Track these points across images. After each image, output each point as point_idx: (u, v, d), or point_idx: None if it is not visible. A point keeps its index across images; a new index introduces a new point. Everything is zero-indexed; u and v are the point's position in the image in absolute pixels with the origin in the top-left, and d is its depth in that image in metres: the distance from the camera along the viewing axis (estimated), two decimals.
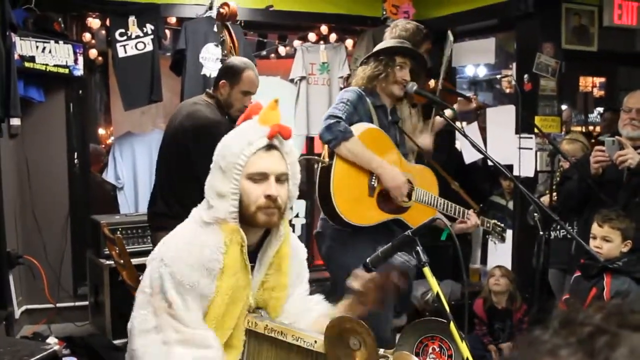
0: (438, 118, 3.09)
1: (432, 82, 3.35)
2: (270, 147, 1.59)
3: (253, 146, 1.56)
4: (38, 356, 1.93)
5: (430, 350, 1.58)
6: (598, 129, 5.97)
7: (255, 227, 1.63)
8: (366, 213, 2.60)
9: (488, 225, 2.87)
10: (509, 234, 4.33)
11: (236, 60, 3.03)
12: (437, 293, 1.50)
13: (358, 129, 2.59)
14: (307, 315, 1.74)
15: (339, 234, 2.63)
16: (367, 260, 1.63)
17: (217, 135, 2.75)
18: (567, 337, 0.52)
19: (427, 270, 1.52)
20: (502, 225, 2.96)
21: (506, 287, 3.64)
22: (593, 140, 4.57)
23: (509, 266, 4.16)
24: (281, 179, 1.61)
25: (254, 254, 1.64)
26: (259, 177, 1.57)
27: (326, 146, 2.60)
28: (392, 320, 2.85)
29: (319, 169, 2.60)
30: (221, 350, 1.55)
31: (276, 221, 1.63)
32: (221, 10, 3.30)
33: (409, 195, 2.68)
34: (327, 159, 2.56)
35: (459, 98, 3.32)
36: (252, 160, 1.56)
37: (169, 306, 1.50)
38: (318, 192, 2.58)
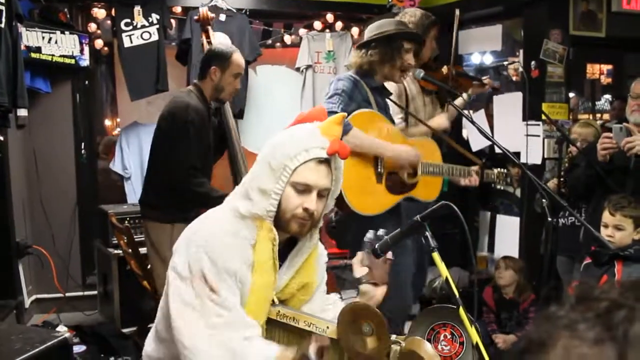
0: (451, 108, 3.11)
1: (444, 69, 3.34)
2: (322, 160, 1.56)
3: (309, 154, 1.54)
4: (49, 343, 1.95)
5: (442, 337, 1.58)
6: (606, 116, 5.93)
7: (283, 231, 1.62)
8: (379, 201, 2.65)
9: (492, 176, 3.01)
10: (516, 221, 4.35)
11: (221, 46, 3.14)
12: (447, 278, 1.50)
13: (352, 115, 2.59)
14: (323, 315, 1.74)
15: (362, 222, 2.65)
16: (376, 246, 1.63)
17: (185, 117, 2.89)
18: (585, 312, 0.52)
19: (436, 256, 1.52)
20: (505, 170, 3.07)
21: (511, 279, 3.63)
22: (600, 126, 4.54)
23: (516, 254, 4.16)
24: (323, 193, 1.59)
25: (280, 253, 1.62)
26: (302, 188, 1.55)
27: None
28: (412, 296, 2.94)
29: None
30: (261, 330, 1.55)
31: (306, 232, 1.63)
32: (195, 17, 3.56)
33: (415, 172, 2.70)
34: None
35: (472, 85, 3.33)
36: (301, 169, 1.54)
37: (211, 291, 1.48)
38: None
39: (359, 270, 1.64)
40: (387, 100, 2.91)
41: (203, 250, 1.50)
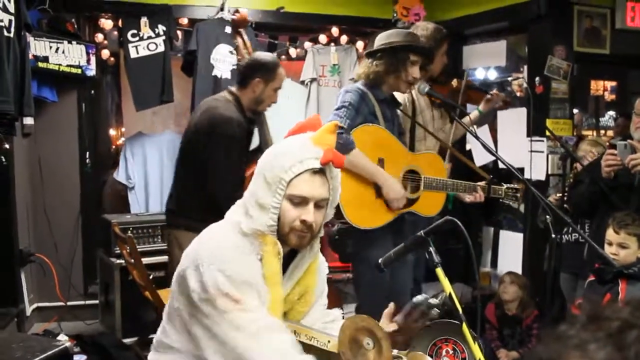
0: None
1: (455, 82, 3.34)
2: (317, 170, 1.55)
3: (303, 165, 1.52)
4: (50, 352, 1.94)
5: (443, 353, 1.57)
6: (610, 133, 5.93)
7: (284, 244, 1.60)
8: (376, 215, 2.63)
9: (500, 192, 2.95)
10: (519, 237, 4.33)
11: (266, 56, 3.01)
12: (450, 294, 1.50)
13: (357, 129, 2.59)
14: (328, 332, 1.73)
15: (361, 235, 2.64)
16: (380, 261, 1.63)
17: (227, 131, 2.84)
18: (595, 331, 0.51)
19: (439, 271, 1.51)
20: (515, 186, 3.00)
21: (515, 294, 3.61)
22: (607, 144, 4.54)
23: (519, 270, 4.14)
24: (320, 204, 1.58)
25: (282, 265, 1.61)
26: (299, 201, 1.54)
27: None
28: None
29: None
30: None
31: (306, 244, 1.62)
32: (233, 17, 3.37)
33: (417, 187, 2.69)
34: None
35: (486, 96, 3.32)
36: (296, 181, 1.53)
37: (237, 303, 1.46)
38: None
39: (387, 324, 1.58)
40: (398, 111, 2.90)
41: (215, 267, 1.48)
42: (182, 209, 2.98)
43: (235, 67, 4.40)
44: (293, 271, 1.66)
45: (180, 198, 3.02)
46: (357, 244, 2.72)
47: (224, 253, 1.51)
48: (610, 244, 2.66)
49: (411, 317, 1.55)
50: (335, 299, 3.59)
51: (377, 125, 2.68)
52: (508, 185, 2.99)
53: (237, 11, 3.43)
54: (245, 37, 3.25)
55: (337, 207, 2.47)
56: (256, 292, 1.50)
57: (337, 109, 2.63)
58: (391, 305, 1.61)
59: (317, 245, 1.69)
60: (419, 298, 1.56)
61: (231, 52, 3.39)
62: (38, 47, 3.93)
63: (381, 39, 2.76)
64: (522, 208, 4.44)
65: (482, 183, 2.93)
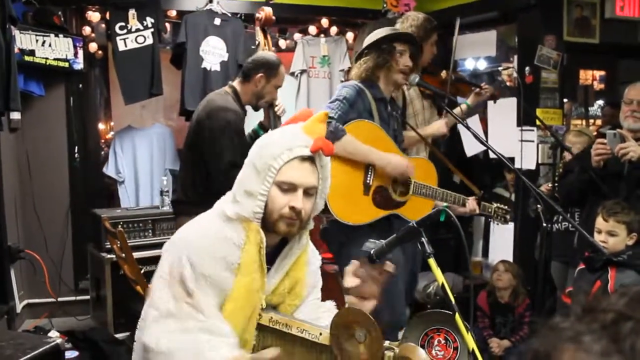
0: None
1: (443, 73, 3.34)
2: (306, 158, 1.56)
3: (292, 153, 1.54)
4: (41, 349, 1.92)
5: (435, 343, 1.57)
6: (599, 122, 5.95)
7: (272, 232, 1.61)
8: (362, 212, 2.60)
9: (490, 210, 2.90)
10: (510, 227, 4.35)
11: (271, 55, 3.15)
12: (442, 284, 1.49)
13: (350, 123, 2.57)
14: (316, 323, 1.73)
15: (347, 229, 2.62)
16: (372, 252, 1.62)
17: (223, 117, 2.92)
18: (590, 323, 0.50)
19: (432, 262, 1.51)
20: (506, 207, 2.95)
21: (509, 282, 3.63)
22: (595, 134, 4.56)
23: (510, 259, 4.16)
24: (309, 192, 1.59)
25: (270, 257, 1.62)
26: (287, 187, 1.55)
27: None
28: (405, 306, 2.89)
29: None
30: (237, 341, 1.54)
31: (295, 232, 1.62)
32: (257, 15, 3.42)
33: (407, 190, 2.68)
34: None
35: (471, 91, 3.33)
36: (285, 168, 1.54)
37: (188, 295, 1.49)
38: None
39: (350, 280, 1.56)
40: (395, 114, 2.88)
41: (185, 254, 1.52)
42: (185, 198, 3.12)
43: (225, 60, 4.39)
44: (281, 262, 1.66)
45: (183, 188, 3.15)
46: (340, 241, 2.69)
47: (198, 240, 1.54)
48: (599, 232, 2.68)
49: (368, 265, 1.54)
50: (337, 291, 3.56)
51: (371, 122, 2.65)
52: (497, 205, 2.93)
53: (261, 9, 3.43)
54: (269, 36, 3.37)
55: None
56: (213, 289, 1.52)
57: (331, 101, 2.62)
58: (354, 261, 1.60)
59: (305, 237, 1.69)
60: (366, 244, 1.55)
61: (253, 48, 3.50)
62: (24, 40, 3.88)
63: (366, 40, 2.77)
64: (512, 197, 4.46)
65: (472, 198, 2.85)
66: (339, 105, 2.57)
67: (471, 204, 2.82)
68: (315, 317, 1.71)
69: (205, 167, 2.99)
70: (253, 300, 1.58)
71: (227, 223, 1.56)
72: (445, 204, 2.84)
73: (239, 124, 3.01)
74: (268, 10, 3.40)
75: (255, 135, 3.21)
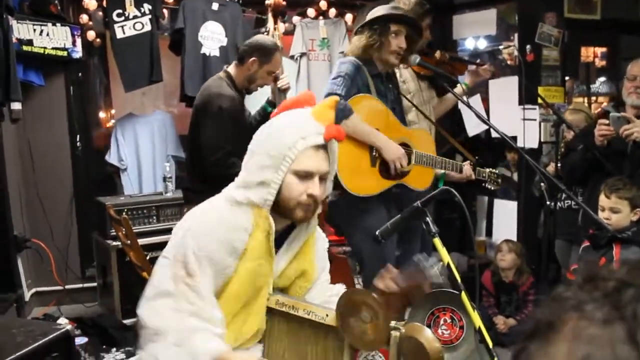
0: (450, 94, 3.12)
1: (437, 54, 3.33)
2: (320, 145, 1.57)
3: (306, 141, 1.54)
4: (51, 336, 1.94)
5: (441, 322, 1.59)
6: (601, 99, 5.93)
7: (285, 218, 1.63)
8: (370, 183, 2.68)
9: (483, 175, 3.01)
10: (513, 205, 4.36)
11: (267, 40, 3.15)
12: (448, 263, 1.50)
13: (353, 98, 2.62)
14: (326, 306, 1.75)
15: (356, 201, 2.66)
16: (377, 233, 1.63)
17: (217, 104, 2.96)
18: (592, 291, 0.51)
19: (437, 241, 1.52)
20: (497, 171, 3.08)
21: (513, 262, 3.64)
22: (596, 111, 4.55)
23: (514, 238, 4.17)
24: (323, 177, 1.61)
25: (277, 240, 1.63)
26: (305, 175, 1.56)
27: None
28: None
29: None
30: (224, 332, 1.55)
31: (310, 217, 1.65)
32: (267, 1, 3.39)
33: (408, 160, 2.73)
34: None
35: (467, 69, 3.32)
36: (301, 157, 1.54)
37: (188, 276, 1.50)
38: None
39: (382, 283, 1.58)
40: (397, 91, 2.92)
41: (190, 236, 1.53)
42: (191, 185, 3.22)
43: (224, 45, 4.37)
44: (290, 245, 1.67)
45: (188, 175, 3.27)
46: (350, 213, 2.74)
47: (205, 224, 1.56)
48: (602, 209, 2.68)
49: (413, 279, 1.55)
50: (347, 273, 3.59)
51: (372, 96, 2.70)
52: (490, 170, 3.04)
53: None
54: (279, 23, 3.36)
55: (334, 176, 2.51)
56: (215, 273, 1.53)
57: (334, 78, 2.65)
58: (390, 266, 1.61)
59: (314, 220, 1.70)
60: (420, 259, 1.56)
61: (263, 32, 3.49)
62: (21, 30, 3.86)
63: (362, 17, 2.79)
64: (515, 176, 4.46)
65: (467, 164, 2.97)
66: (342, 82, 2.60)
67: (467, 169, 2.95)
68: (324, 300, 1.73)
69: (201, 155, 3.03)
70: (257, 284, 1.59)
71: (236, 208, 1.57)
72: (442, 171, 2.97)
73: (233, 109, 3.03)
74: None
75: (263, 112, 3.25)
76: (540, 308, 0.54)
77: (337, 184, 2.56)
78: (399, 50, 2.74)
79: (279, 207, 1.58)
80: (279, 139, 1.55)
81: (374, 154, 2.68)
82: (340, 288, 1.85)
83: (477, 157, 3.01)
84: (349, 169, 2.58)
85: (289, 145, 1.53)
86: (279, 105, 1.69)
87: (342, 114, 2.48)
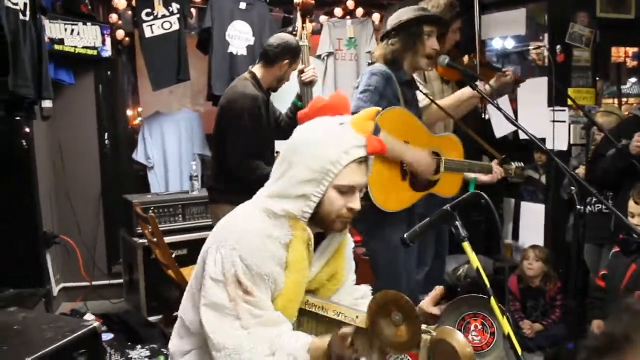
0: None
1: (466, 58, 3.29)
2: (363, 160, 1.54)
3: (349, 156, 1.50)
4: (79, 332, 1.96)
5: (472, 328, 1.56)
6: (632, 101, 5.80)
7: (320, 228, 1.60)
8: (401, 198, 2.63)
9: (510, 172, 2.94)
10: (541, 209, 4.29)
11: (293, 39, 3.21)
12: (477, 268, 1.48)
13: (383, 113, 2.52)
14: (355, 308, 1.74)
15: (381, 212, 2.63)
16: (405, 236, 1.61)
17: (241, 105, 3.00)
18: None
19: (466, 245, 1.50)
20: (522, 164, 3.00)
21: (540, 270, 3.58)
22: (627, 113, 4.45)
23: (541, 242, 4.11)
24: (362, 190, 1.59)
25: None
26: (347, 190, 1.53)
27: None
28: (415, 288, 2.90)
29: None
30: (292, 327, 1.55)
31: (347, 228, 1.64)
32: (296, 1, 3.41)
33: (437, 169, 2.69)
34: None
35: (498, 74, 3.27)
36: (344, 172, 1.51)
37: (246, 294, 1.47)
38: None
39: (430, 308, 1.57)
40: (418, 93, 2.87)
41: (237, 253, 1.47)
42: (215, 185, 3.25)
43: (251, 44, 4.39)
44: (324, 252, 1.65)
45: (213, 175, 3.32)
46: (372, 222, 2.70)
47: (249, 239, 1.49)
48: (632, 215, 2.63)
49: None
50: (369, 275, 3.57)
51: (401, 108, 2.64)
52: (517, 164, 2.95)
53: None
54: (308, 23, 3.36)
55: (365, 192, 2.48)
56: (269, 285, 1.50)
57: (362, 92, 2.56)
58: (439, 288, 1.59)
59: (347, 227, 1.68)
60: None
61: (292, 33, 3.50)
62: (53, 29, 3.93)
63: (392, 20, 2.72)
64: (543, 179, 4.39)
65: (495, 163, 2.90)
66: (370, 97, 2.52)
67: (496, 169, 2.88)
68: (352, 303, 1.71)
69: (226, 156, 3.07)
70: (299, 294, 1.58)
71: (273, 220, 1.53)
72: (474, 176, 2.90)
73: (256, 109, 3.06)
74: None
75: (295, 107, 3.25)
76: (612, 322, 0.53)
77: (367, 196, 2.55)
78: (433, 53, 2.68)
79: (317, 219, 1.55)
80: (320, 152, 1.50)
81: (405, 167, 2.64)
82: (366, 289, 1.83)
83: (503, 156, 2.95)
84: (380, 185, 2.53)
85: (332, 161, 1.49)
86: (310, 105, 1.63)
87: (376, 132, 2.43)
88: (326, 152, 1.50)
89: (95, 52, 4.14)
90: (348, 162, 1.50)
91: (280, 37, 3.23)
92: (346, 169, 1.50)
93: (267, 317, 1.49)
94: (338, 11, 4.81)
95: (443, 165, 2.72)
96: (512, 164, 2.94)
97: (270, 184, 1.61)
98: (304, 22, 3.35)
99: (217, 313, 1.48)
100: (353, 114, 2.42)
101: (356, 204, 1.54)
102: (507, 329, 1.42)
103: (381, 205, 2.54)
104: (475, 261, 1.50)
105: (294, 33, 3.46)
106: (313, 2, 3.43)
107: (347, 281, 1.76)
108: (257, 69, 3.18)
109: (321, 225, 1.57)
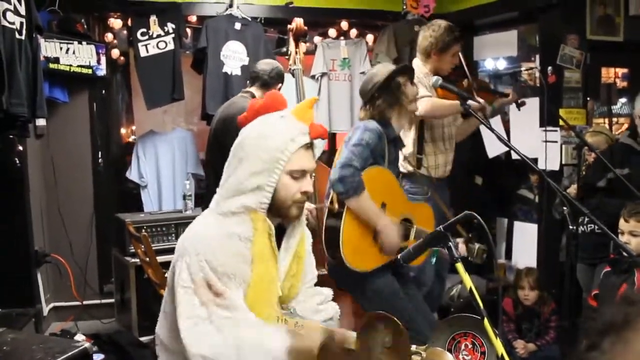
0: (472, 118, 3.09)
1: (465, 82, 3.33)
2: (308, 145, 1.65)
3: (295, 143, 1.61)
4: (69, 353, 1.95)
5: (462, 347, 1.56)
6: (622, 120, 5.86)
7: (278, 218, 1.67)
8: (371, 258, 2.61)
9: (473, 251, 2.79)
10: (534, 228, 4.30)
11: (281, 67, 3.51)
12: (470, 289, 1.48)
13: (366, 171, 2.54)
14: (316, 316, 1.78)
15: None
16: (399, 257, 1.62)
17: (234, 119, 2.98)
18: None
19: (460, 266, 1.50)
20: (484, 247, 2.83)
21: (536, 296, 3.57)
22: (617, 133, 4.50)
23: (534, 261, 4.11)
24: (312, 174, 1.69)
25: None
26: (299, 175, 1.63)
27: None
28: (433, 317, 2.88)
29: (326, 212, 2.59)
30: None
31: (301, 214, 1.73)
32: (289, 25, 3.56)
33: (408, 235, 2.70)
34: (336, 205, 2.55)
35: (496, 97, 3.32)
36: (293, 158, 1.61)
37: (217, 296, 1.51)
38: (324, 235, 2.58)
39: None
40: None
41: (201, 257, 1.53)
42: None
43: (245, 64, 4.42)
44: (288, 242, 1.71)
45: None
46: (354, 277, 2.66)
47: (209, 242, 1.56)
48: (622, 233, 2.65)
49: None
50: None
51: (384, 168, 2.65)
52: (479, 246, 2.80)
53: (294, 20, 3.59)
54: (300, 47, 3.52)
55: (335, 247, 2.48)
56: (237, 283, 1.55)
57: (354, 145, 2.55)
58: None
59: (303, 217, 1.77)
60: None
61: (286, 56, 3.63)
62: (49, 48, 3.95)
63: (367, 84, 2.73)
64: (536, 199, 4.41)
65: (461, 241, 2.80)
66: (361, 152, 2.51)
67: (460, 247, 2.78)
68: (314, 309, 1.78)
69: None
70: (269, 288, 1.62)
71: (231, 218, 1.59)
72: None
73: None
74: (299, 21, 3.52)
75: None
76: (609, 308, 0.54)
77: (334, 255, 2.54)
78: (416, 97, 2.76)
79: (274, 208, 1.63)
80: (268, 143, 1.60)
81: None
82: (328, 292, 1.89)
83: (469, 234, 2.89)
84: (352, 245, 2.52)
85: (280, 149, 1.59)
86: (248, 110, 1.71)
87: (354, 190, 2.44)
88: (273, 141, 1.60)
89: (90, 71, 4.16)
90: (295, 149, 1.61)
91: (270, 63, 3.42)
92: (294, 154, 1.61)
93: (242, 317, 1.52)
94: (332, 32, 4.86)
95: (413, 233, 2.71)
96: (476, 244, 2.83)
97: (222, 185, 1.68)
98: (297, 46, 3.44)
99: (191, 321, 1.51)
100: (343, 165, 2.45)
101: (309, 186, 1.65)
102: (501, 350, 1.42)
103: (349, 262, 2.51)
104: (468, 281, 1.50)
105: (287, 57, 3.52)
106: (306, 28, 3.54)
107: (306, 279, 1.82)
108: (255, 90, 3.31)
109: (279, 213, 1.65)
